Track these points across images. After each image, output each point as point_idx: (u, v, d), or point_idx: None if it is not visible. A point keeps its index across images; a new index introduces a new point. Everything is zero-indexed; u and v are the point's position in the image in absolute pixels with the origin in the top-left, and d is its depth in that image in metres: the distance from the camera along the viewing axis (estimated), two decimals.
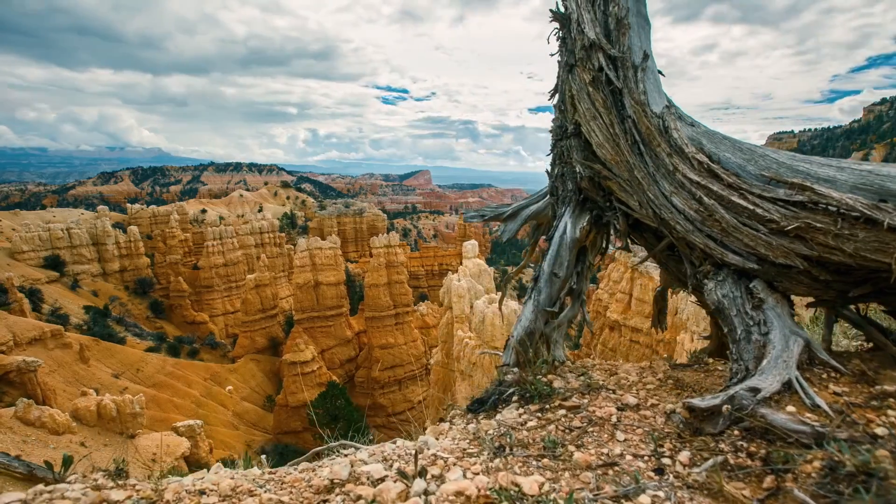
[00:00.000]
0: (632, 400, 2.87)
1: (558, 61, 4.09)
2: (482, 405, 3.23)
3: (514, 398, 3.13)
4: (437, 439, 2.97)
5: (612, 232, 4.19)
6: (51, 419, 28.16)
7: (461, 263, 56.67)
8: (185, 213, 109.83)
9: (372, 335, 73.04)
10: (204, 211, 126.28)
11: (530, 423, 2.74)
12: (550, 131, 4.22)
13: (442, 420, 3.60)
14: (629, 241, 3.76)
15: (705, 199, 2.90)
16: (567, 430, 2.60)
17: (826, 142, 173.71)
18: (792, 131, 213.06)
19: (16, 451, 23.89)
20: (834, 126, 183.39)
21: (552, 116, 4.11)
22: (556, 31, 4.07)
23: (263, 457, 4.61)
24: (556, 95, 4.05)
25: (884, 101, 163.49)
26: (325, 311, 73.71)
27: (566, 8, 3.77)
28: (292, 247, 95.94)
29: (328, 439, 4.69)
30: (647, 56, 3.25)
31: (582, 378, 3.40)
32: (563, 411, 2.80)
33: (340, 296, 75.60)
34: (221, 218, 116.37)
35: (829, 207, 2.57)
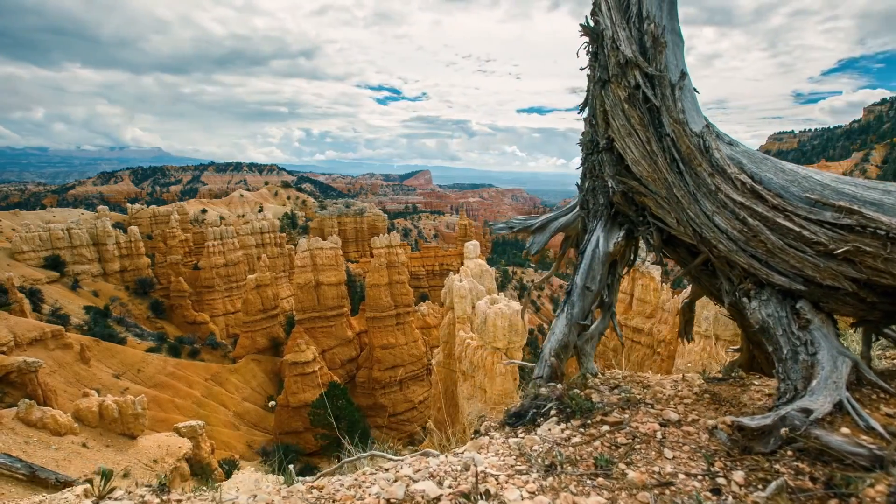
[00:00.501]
0: (673, 415, 2.90)
1: (588, 75, 4.11)
2: (520, 419, 3.26)
3: (553, 412, 3.16)
4: (478, 453, 3.00)
5: (640, 245, 4.21)
6: (53, 420, 28.11)
7: (462, 263, 56.64)
8: (186, 213, 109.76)
9: (373, 335, 73.08)
10: (204, 211, 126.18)
11: (575, 439, 2.77)
12: (579, 144, 4.25)
13: (477, 432, 3.63)
14: (662, 255, 3.79)
15: (749, 220, 2.94)
16: (613, 447, 2.64)
17: (826, 142, 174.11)
18: (792, 131, 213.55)
19: (18, 453, 23.85)
20: (834, 126, 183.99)
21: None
22: (586, 45, 4.09)
23: (291, 466, 4.64)
24: (587, 109, 4.08)
25: (884, 101, 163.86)
26: (326, 311, 73.73)
27: (597, 23, 3.79)
28: (293, 247, 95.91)
29: (350, 447, 4.72)
30: (684, 74, 3.28)
31: (617, 391, 3.44)
32: (606, 427, 2.83)
33: (341, 296, 75.62)
34: (222, 218, 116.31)
35: (878, 231, 2.60)
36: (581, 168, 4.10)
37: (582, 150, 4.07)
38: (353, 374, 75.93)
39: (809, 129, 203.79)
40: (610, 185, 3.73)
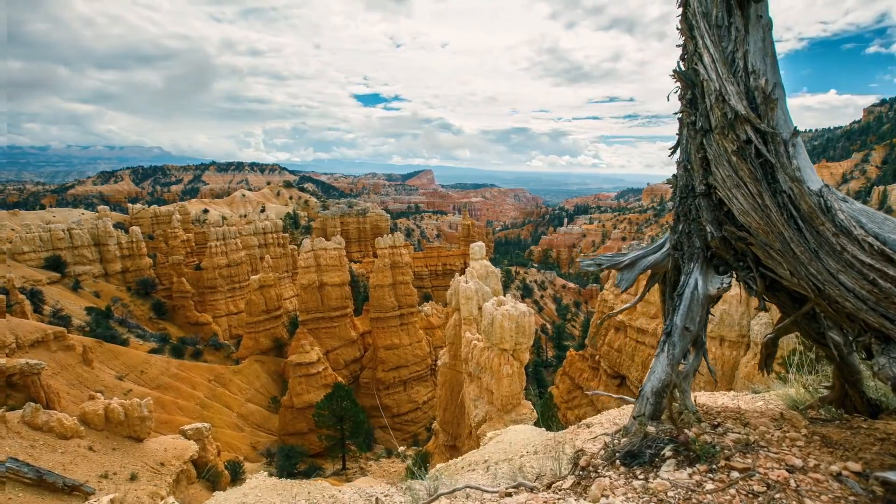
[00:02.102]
0: (797, 461, 3.05)
1: (680, 119, 4.25)
2: (635, 459, 3.40)
3: (669, 453, 3.30)
4: (604, 496, 3.13)
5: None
6: (59, 423, 28.04)
7: (465, 263, 56.88)
8: (188, 213, 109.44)
9: (377, 336, 73.25)
10: (206, 211, 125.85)
11: (707, 486, 2.91)
12: (668, 182, 4.40)
13: (582, 469, 3.76)
14: (763, 300, 3.94)
15: (881, 281, 3.08)
16: (752, 495, 2.78)
17: (826, 142, 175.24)
18: None
19: (24, 457, 23.84)
20: (834, 127, 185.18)
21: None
22: (678, 90, 4.22)
23: None
24: (678, 152, 4.22)
25: (883, 101, 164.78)
26: (330, 311, 73.80)
27: (696, 73, 3.91)
28: (296, 247, 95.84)
29: (436, 475, 4.85)
30: (796, 132, 3.42)
31: (720, 429, 3.58)
32: (736, 473, 2.97)
33: (345, 296, 75.72)
34: (224, 218, 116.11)
35: None
36: (674, 211, 4.24)
37: (675, 193, 4.21)
38: (356, 374, 76.06)
39: (810, 130, 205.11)
40: (708, 231, 3.87)
